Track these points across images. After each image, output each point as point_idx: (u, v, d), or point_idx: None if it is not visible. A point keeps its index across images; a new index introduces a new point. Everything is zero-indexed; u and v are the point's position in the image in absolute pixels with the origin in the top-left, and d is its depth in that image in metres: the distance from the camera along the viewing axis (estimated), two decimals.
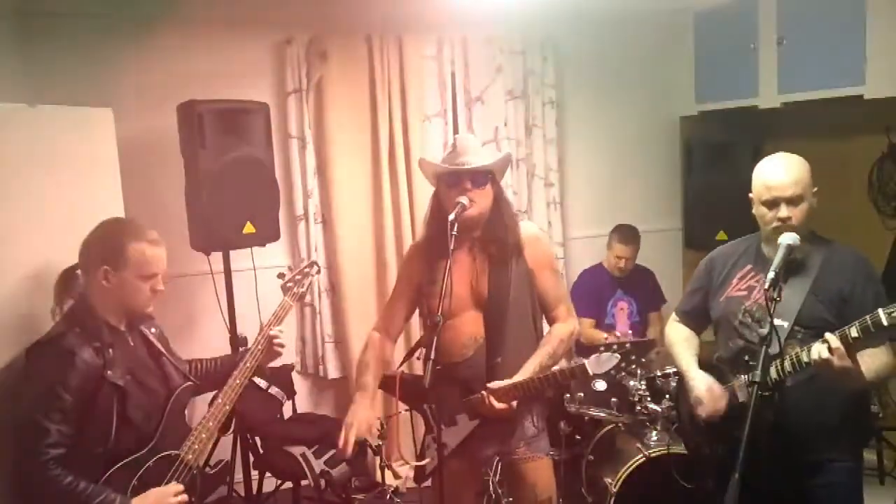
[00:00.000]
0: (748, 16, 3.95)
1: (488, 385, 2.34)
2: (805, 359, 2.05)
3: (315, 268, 2.80)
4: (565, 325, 2.49)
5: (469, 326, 2.41)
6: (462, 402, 2.41)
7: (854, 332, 1.94)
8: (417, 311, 2.63)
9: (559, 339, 2.44)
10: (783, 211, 2.17)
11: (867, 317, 1.92)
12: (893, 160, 3.70)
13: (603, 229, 4.18)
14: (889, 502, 3.23)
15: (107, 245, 2.11)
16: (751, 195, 2.28)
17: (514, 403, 2.34)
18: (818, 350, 1.96)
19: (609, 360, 2.14)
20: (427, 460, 2.51)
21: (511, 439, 2.46)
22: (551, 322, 2.52)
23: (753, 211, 2.29)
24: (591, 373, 2.19)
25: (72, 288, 2.19)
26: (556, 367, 2.40)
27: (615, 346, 2.15)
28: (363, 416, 2.33)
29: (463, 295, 2.39)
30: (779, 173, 2.20)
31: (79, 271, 2.17)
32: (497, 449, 2.49)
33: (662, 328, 3.37)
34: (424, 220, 2.57)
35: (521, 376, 2.35)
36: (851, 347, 1.94)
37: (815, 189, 2.22)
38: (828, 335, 1.95)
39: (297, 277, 2.68)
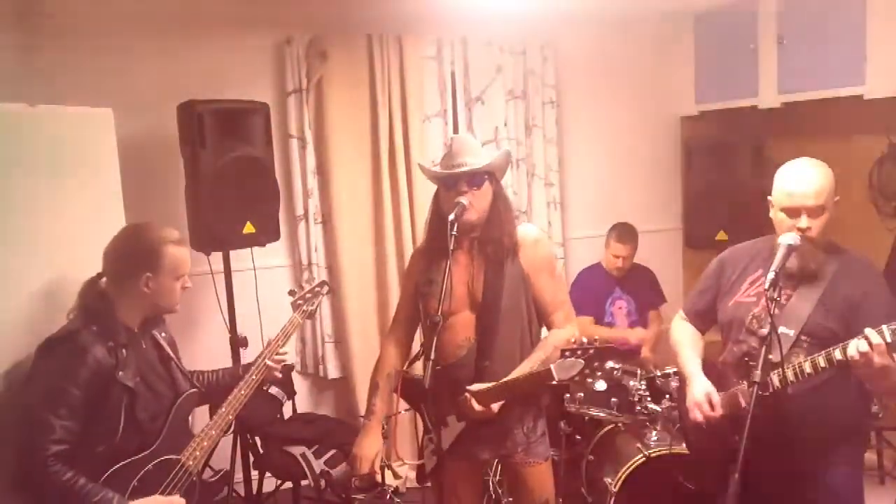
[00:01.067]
0: (748, 16, 3.95)
1: (468, 387, 2.34)
2: (808, 369, 2.03)
3: (325, 287, 2.81)
4: (562, 332, 2.44)
5: (464, 327, 2.40)
6: (451, 403, 2.41)
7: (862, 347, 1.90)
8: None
9: (553, 346, 2.39)
10: (804, 222, 2.11)
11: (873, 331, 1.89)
12: (893, 160, 3.70)
13: (603, 229, 4.18)
14: (889, 502, 3.23)
15: (144, 251, 2.14)
16: (770, 198, 2.23)
17: (495, 407, 2.32)
18: (856, 345, 1.91)
19: (574, 366, 2.12)
20: (423, 461, 2.51)
21: (506, 443, 2.45)
22: (548, 328, 2.49)
23: (771, 215, 2.23)
24: (556, 378, 2.14)
25: (93, 294, 2.19)
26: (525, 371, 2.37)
27: (580, 352, 2.14)
28: (370, 450, 2.42)
29: (460, 296, 2.39)
30: (803, 182, 2.13)
31: (103, 279, 2.18)
32: (493, 453, 2.49)
33: (660, 327, 3.36)
34: (425, 223, 2.57)
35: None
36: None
37: (837, 199, 2.16)
38: (868, 331, 1.90)
39: (308, 296, 2.69)
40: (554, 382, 2.18)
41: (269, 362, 2.43)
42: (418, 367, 2.71)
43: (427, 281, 2.44)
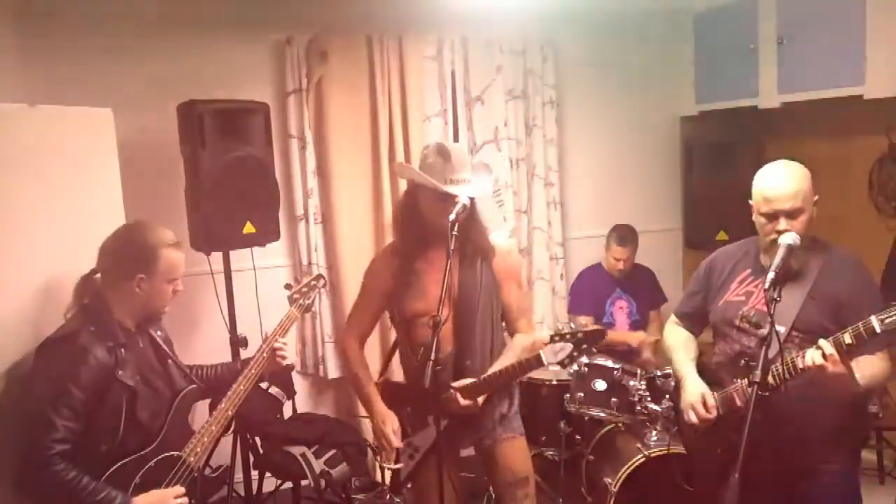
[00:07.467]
0: (748, 16, 3.95)
1: (452, 384, 2.37)
2: (800, 364, 2.04)
3: (322, 281, 2.84)
4: (527, 337, 2.54)
5: (444, 327, 2.41)
6: (431, 402, 2.40)
7: (847, 339, 1.94)
8: (388, 316, 2.67)
9: (522, 348, 2.49)
10: (782, 224, 2.15)
11: (860, 323, 1.92)
12: (893, 160, 3.70)
13: (603, 229, 4.18)
14: (889, 502, 3.23)
15: (140, 253, 2.14)
16: (751, 202, 2.26)
17: (481, 400, 2.38)
18: (812, 356, 1.96)
19: (563, 350, 2.19)
20: (401, 465, 2.52)
21: (482, 428, 2.51)
22: (512, 333, 2.59)
23: (753, 218, 2.27)
24: (546, 363, 2.23)
25: (90, 291, 2.20)
26: (515, 360, 2.44)
27: (568, 336, 2.18)
28: (388, 414, 2.48)
29: (438, 295, 2.39)
30: (778, 185, 2.17)
31: (97, 275, 2.18)
32: (471, 440, 2.54)
33: (662, 326, 3.35)
34: (395, 221, 2.58)
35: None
36: (845, 353, 1.94)
37: (817, 198, 2.20)
38: (821, 342, 1.95)
39: (304, 290, 2.71)
40: (545, 366, 2.24)
41: (266, 357, 2.45)
42: (397, 375, 2.72)
43: (404, 283, 2.46)
